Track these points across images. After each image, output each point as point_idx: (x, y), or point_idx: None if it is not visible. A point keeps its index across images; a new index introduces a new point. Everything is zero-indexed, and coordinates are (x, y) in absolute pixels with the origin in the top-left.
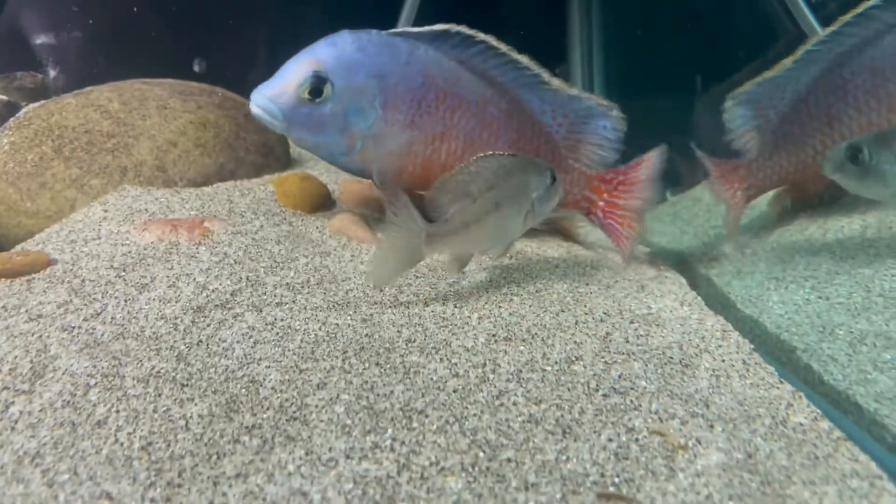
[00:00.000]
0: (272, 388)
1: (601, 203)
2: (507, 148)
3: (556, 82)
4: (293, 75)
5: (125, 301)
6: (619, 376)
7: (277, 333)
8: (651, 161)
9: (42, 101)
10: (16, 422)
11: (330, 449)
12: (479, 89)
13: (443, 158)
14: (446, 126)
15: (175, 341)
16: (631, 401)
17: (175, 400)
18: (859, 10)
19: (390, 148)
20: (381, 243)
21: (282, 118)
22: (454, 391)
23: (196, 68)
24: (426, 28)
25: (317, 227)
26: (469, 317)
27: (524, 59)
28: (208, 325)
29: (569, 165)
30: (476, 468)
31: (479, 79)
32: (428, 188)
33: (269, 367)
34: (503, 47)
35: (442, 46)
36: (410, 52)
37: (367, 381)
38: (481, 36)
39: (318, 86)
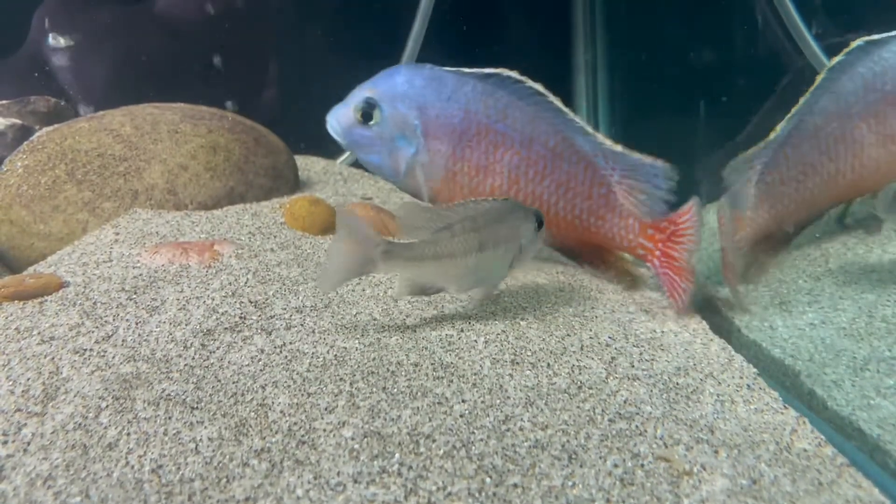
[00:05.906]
0: (281, 411)
1: (657, 252)
2: (557, 188)
3: (600, 135)
4: (353, 99)
5: (136, 324)
6: (625, 401)
7: (286, 357)
8: (694, 211)
9: (55, 125)
10: (28, 444)
11: (338, 473)
12: (526, 128)
13: (487, 191)
14: (489, 160)
15: (185, 364)
16: (636, 426)
17: (185, 423)
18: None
19: (434, 176)
20: (330, 247)
21: (342, 136)
22: (461, 416)
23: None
24: (477, 70)
25: (325, 250)
26: (475, 340)
27: (569, 110)
28: (218, 348)
29: (623, 210)
30: (483, 493)
31: (527, 119)
32: None
33: (277, 390)
34: (551, 95)
35: (492, 86)
36: (455, 88)
37: (374, 406)
38: (530, 83)
39: (368, 110)
